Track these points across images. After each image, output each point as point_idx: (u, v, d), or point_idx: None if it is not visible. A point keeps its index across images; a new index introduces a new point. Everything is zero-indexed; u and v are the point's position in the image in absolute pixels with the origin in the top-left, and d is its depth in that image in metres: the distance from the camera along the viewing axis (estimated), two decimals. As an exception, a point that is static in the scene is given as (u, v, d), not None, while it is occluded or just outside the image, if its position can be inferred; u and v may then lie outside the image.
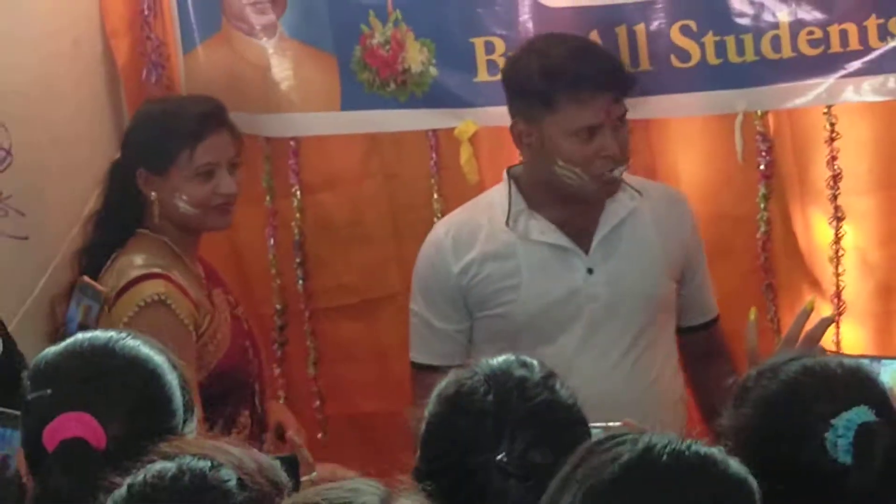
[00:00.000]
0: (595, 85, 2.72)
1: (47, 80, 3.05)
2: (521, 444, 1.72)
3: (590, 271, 2.67)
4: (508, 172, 2.83)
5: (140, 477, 1.41)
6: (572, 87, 2.70)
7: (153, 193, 2.88)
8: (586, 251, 2.69)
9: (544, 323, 2.75)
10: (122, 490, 1.43)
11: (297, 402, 3.29)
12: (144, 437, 1.68)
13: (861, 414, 1.63)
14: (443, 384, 1.92)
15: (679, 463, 1.24)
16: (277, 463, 1.56)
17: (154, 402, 1.86)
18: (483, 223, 2.76)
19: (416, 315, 2.83)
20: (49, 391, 1.83)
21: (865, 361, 2.00)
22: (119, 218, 2.99)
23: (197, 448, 1.51)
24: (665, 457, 1.22)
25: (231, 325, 3.01)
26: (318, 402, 3.27)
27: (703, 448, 1.25)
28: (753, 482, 1.24)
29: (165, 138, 2.92)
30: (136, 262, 2.89)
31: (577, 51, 2.82)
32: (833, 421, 1.63)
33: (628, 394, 2.63)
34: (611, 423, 1.98)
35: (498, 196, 2.83)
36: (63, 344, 1.93)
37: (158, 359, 1.90)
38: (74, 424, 1.77)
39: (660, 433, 1.28)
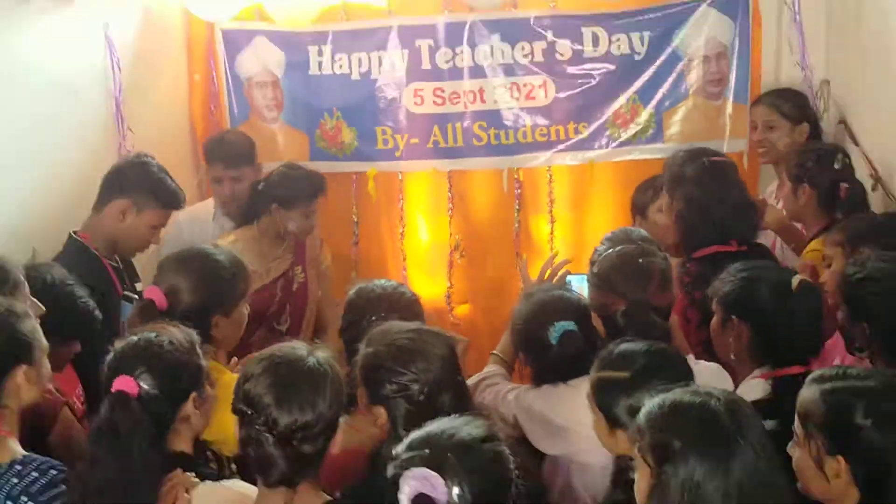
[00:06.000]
0: (210, 156, 3.79)
1: (48, 120, 3.32)
2: (383, 313, 2.54)
3: None
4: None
5: (121, 343, 2.17)
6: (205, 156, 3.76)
7: (276, 213, 3.56)
8: None
9: None
10: (118, 346, 2.16)
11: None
12: (206, 303, 2.57)
13: (567, 324, 2.51)
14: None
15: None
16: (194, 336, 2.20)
17: (212, 284, 2.61)
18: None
19: None
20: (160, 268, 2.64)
21: (574, 294, 2.72)
22: (248, 213, 3.67)
23: (153, 328, 2.23)
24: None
25: (270, 284, 3.61)
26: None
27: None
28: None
29: (297, 192, 3.58)
30: (227, 238, 3.56)
31: (218, 135, 3.90)
32: (558, 327, 2.51)
33: None
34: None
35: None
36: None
37: (226, 261, 2.64)
38: (154, 291, 2.57)
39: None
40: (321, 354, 1.97)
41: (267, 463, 1.88)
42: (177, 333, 2.19)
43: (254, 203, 3.66)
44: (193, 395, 2.14)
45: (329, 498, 1.95)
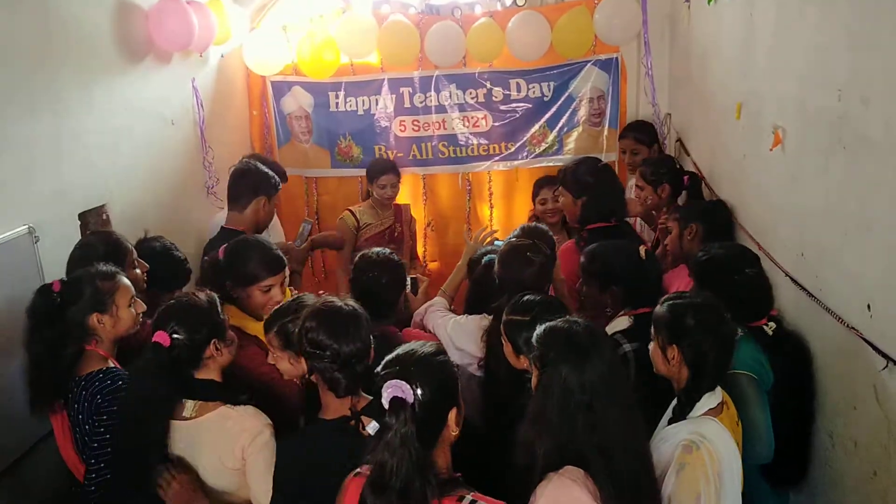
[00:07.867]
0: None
1: (155, 142, 3.23)
2: (376, 272, 2.36)
3: None
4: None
5: (162, 305, 1.92)
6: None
7: (371, 188, 3.56)
8: None
9: None
10: (160, 307, 1.92)
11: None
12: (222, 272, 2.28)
13: (492, 256, 2.43)
14: None
15: None
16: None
17: (225, 261, 2.32)
18: None
19: None
20: None
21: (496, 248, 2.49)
22: (366, 195, 3.71)
23: (186, 293, 1.98)
24: None
25: (381, 231, 3.62)
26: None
27: None
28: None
29: (372, 171, 3.59)
30: (358, 206, 3.66)
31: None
32: (487, 256, 2.50)
33: None
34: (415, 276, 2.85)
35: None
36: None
37: (239, 251, 2.32)
38: (220, 251, 2.34)
39: None
40: (350, 302, 1.84)
41: (335, 383, 1.77)
42: (201, 297, 1.97)
43: (368, 188, 3.75)
44: (214, 340, 1.94)
45: (370, 398, 1.80)
